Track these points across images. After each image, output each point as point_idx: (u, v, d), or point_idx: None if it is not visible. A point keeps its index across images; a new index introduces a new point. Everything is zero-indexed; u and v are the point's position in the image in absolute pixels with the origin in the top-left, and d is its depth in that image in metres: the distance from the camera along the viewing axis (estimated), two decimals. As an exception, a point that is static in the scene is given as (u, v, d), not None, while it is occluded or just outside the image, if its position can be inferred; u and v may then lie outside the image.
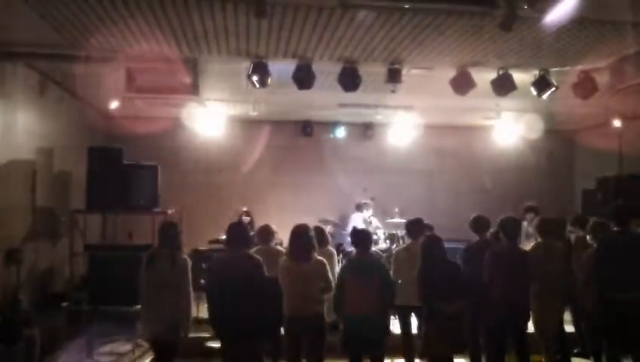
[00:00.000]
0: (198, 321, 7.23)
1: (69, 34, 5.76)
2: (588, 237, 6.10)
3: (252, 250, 5.18)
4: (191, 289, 4.96)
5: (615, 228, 5.55)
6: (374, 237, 8.56)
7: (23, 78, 6.81)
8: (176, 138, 10.27)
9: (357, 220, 8.97)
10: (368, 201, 9.23)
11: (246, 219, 8.53)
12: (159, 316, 4.80)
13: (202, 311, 7.25)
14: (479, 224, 5.95)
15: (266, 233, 6.05)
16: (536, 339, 5.90)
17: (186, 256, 5.05)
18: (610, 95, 6.93)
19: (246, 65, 6.40)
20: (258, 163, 10.76)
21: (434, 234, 5.57)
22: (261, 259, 4.78)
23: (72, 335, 6.92)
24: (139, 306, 5.08)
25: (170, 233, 4.99)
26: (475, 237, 6.02)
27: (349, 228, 8.59)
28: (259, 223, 5.94)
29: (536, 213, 7.41)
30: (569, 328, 6.50)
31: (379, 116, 10.12)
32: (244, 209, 9.17)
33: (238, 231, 4.85)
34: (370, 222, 9.05)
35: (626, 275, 5.30)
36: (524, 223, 7.32)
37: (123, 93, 6.85)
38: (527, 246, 6.23)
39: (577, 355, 6.49)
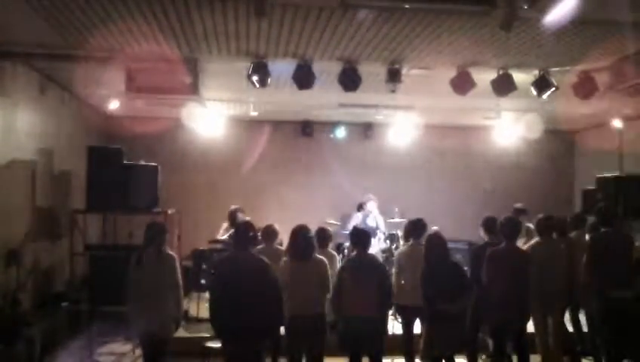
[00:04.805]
0: (198, 321, 7.27)
1: (69, 34, 5.75)
2: (586, 236, 6.13)
3: (254, 250, 5.18)
4: (180, 284, 5.02)
5: (602, 229, 5.62)
6: (377, 237, 8.52)
7: (23, 78, 6.82)
8: (176, 138, 10.28)
9: (357, 219, 8.93)
10: (371, 196, 9.13)
11: (241, 216, 7.65)
12: (150, 315, 4.84)
13: (202, 310, 7.28)
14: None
15: (269, 233, 6.05)
16: (536, 339, 5.93)
17: (172, 253, 5.10)
18: (610, 95, 6.93)
19: (246, 65, 6.40)
20: (258, 163, 10.77)
21: (437, 234, 5.56)
22: (267, 261, 4.79)
23: (72, 335, 6.92)
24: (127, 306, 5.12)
25: (153, 232, 5.03)
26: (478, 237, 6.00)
27: (350, 228, 8.56)
28: (258, 223, 5.93)
29: (526, 215, 7.37)
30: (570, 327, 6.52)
31: (379, 116, 10.11)
32: (234, 207, 8.06)
33: (244, 231, 4.86)
34: (368, 216, 8.98)
35: (614, 274, 5.38)
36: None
37: (123, 93, 6.84)
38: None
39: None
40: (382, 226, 9.04)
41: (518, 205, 7.72)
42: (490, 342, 6.06)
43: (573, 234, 6.44)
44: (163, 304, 4.89)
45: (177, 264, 5.07)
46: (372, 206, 9.02)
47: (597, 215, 5.83)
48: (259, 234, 5.73)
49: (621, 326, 5.50)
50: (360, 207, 9.33)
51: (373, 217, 8.95)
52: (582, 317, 6.47)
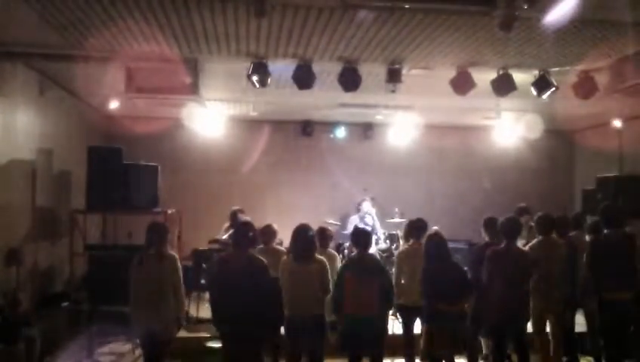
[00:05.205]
0: (198, 321, 7.26)
1: (69, 34, 5.75)
2: (587, 237, 6.13)
3: (253, 250, 5.18)
4: (182, 285, 5.01)
5: (606, 229, 5.62)
6: (374, 237, 8.54)
7: (22, 78, 6.81)
8: (176, 138, 10.27)
9: (355, 221, 8.96)
10: (366, 197, 9.20)
11: (242, 217, 7.77)
12: (151, 316, 4.84)
13: (202, 310, 7.28)
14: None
15: (268, 233, 6.05)
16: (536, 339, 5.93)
17: (173, 253, 5.09)
18: (610, 95, 6.92)
19: (246, 65, 6.40)
20: (258, 163, 10.76)
21: (437, 234, 5.56)
22: (265, 261, 4.79)
23: (72, 335, 6.92)
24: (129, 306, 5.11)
25: (154, 233, 5.02)
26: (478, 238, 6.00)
27: (349, 229, 8.58)
28: (258, 223, 5.93)
29: (529, 214, 7.39)
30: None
31: (379, 116, 10.11)
32: (235, 208, 8.20)
33: (244, 231, 4.86)
34: (365, 217, 9.01)
35: (616, 275, 5.38)
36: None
37: (123, 93, 6.84)
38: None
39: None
40: (378, 227, 9.04)
41: (522, 204, 7.73)
42: (484, 344, 6.07)
43: (573, 234, 6.44)
44: (164, 305, 4.88)
45: (179, 265, 5.06)
46: (367, 206, 9.05)
47: (600, 215, 5.82)
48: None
49: (621, 328, 5.49)
50: (359, 209, 9.36)
51: (370, 217, 8.98)
52: (580, 318, 6.47)
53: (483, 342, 6.15)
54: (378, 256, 7.19)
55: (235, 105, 9.38)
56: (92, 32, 5.69)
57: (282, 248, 6.13)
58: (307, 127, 10.91)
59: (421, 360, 5.83)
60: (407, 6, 4.86)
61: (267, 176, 10.83)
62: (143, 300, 4.88)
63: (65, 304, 7.06)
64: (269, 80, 6.42)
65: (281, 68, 6.48)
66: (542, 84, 6.63)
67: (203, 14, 5.20)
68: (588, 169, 10.70)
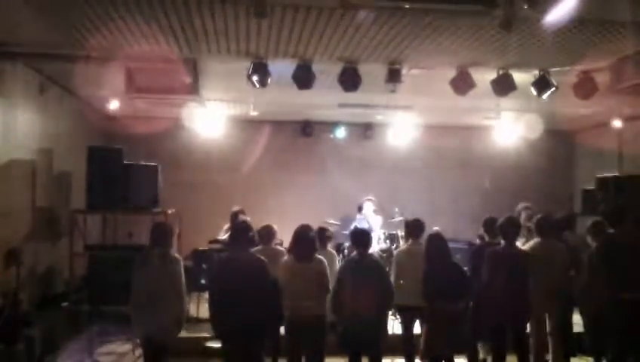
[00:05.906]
0: (198, 321, 7.27)
1: (69, 34, 5.75)
2: (588, 237, 6.12)
3: (253, 250, 5.18)
4: (184, 287, 5.00)
5: (613, 229, 5.59)
6: (376, 237, 8.53)
7: (23, 78, 6.81)
8: (176, 138, 10.27)
9: (359, 221, 8.93)
10: (369, 197, 9.17)
11: (242, 217, 7.70)
12: (153, 316, 4.83)
13: (202, 311, 7.28)
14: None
15: (268, 233, 6.05)
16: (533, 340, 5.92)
17: (177, 256, 5.08)
18: (610, 95, 6.93)
19: (246, 65, 6.40)
20: (258, 163, 10.76)
21: (438, 234, 5.56)
22: (265, 261, 4.79)
23: (72, 335, 6.92)
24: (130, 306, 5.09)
25: (159, 233, 5.01)
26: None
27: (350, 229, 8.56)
28: (258, 223, 5.93)
29: (530, 213, 7.40)
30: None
31: (379, 116, 10.12)
32: (236, 209, 8.15)
33: (242, 231, 4.86)
34: (365, 219, 8.99)
35: (629, 275, 5.35)
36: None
37: (123, 93, 6.84)
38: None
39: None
40: (375, 227, 9.00)
41: (526, 204, 7.73)
42: (481, 348, 6.07)
43: (566, 234, 6.44)
44: (166, 306, 4.85)
45: (182, 267, 5.04)
46: (367, 207, 9.02)
47: (603, 215, 5.80)
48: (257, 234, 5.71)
49: (636, 328, 5.44)
50: (360, 209, 9.33)
51: (364, 219, 8.93)
52: (577, 318, 6.46)
53: (480, 346, 6.14)
54: (378, 256, 7.20)
55: (235, 105, 9.37)
56: (92, 32, 5.69)
57: (282, 248, 6.12)
58: (307, 127, 10.91)
59: (421, 360, 5.83)
60: (407, 6, 4.86)
61: (267, 176, 10.83)
62: (144, 300, 4.87)
63: (65, 304, 7.07)
64: (269, 80, 6.42)
65: (281, 68, 6.48)
66: (542, 84, 6.64)
67: (203, 14, 5.20)
68: (588, 169, 10.69)
